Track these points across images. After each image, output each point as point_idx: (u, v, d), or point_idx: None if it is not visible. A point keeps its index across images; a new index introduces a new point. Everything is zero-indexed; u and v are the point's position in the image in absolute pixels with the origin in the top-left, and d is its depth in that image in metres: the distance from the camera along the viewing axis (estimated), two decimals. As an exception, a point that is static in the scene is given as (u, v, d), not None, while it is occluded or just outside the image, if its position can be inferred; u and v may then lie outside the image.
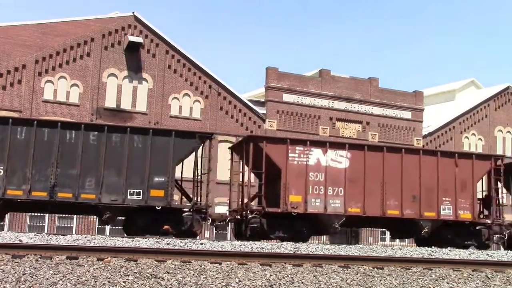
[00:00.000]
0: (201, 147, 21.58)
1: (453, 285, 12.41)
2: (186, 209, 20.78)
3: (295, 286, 11.24)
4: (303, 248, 16.38)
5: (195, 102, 38.11)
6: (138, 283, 10.40)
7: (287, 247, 16.29)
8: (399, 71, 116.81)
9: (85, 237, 15.85)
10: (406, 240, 31.88)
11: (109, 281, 10.33)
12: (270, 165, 21.14)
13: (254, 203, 21.78)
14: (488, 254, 17.84)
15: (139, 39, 36.51)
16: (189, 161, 21.79)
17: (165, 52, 37.67)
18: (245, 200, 21.64)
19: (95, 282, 10.27)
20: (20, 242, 14.00)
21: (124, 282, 10.38)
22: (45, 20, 35.66)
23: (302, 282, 11.42)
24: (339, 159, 21.76)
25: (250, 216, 20.64)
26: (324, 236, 30.69)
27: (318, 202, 21.26)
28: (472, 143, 46.06)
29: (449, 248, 20.40)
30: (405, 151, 22.80)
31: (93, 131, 20.21)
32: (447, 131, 45.35)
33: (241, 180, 22.35)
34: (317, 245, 17.64)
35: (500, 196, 23.78)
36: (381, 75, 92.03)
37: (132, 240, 15.83)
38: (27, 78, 34.43)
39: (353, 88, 42.15)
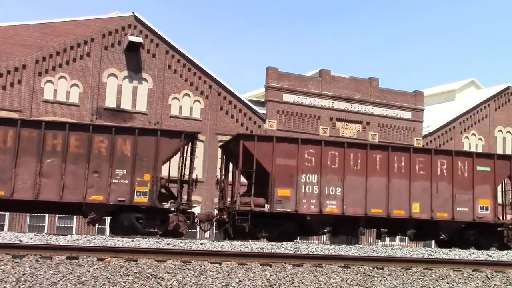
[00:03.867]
0: None
1: (453, 285, 12.41)
2: None
3: (295, 286, 11.24)
4: (303, 248, 16.38)
5: (195, 102, 38.11)
6: (138, 283, 10.41)
7: (287, 247, 16.29)
8: (399, 71, 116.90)
9: (85, 237, 15.85)
10: (406, 240, 31.72)
11: (109, 281, 10.34)
12: None
13: None
14: (488, 254, 17.85)
15: (139, 39, 36.50)
16: None
17: (165, 52, 37.66)
18: None
19: (95, 282, 10.27)
20: (20, 242, 14.00)
21: (124, 282, 10.38)
22: (45, 20, 35.66)
23: (302, 282, 11.42)
24: None
25: None
26: (324, 236, 29.95)
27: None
28: (472, 143, 46.03)
29: (448, 248, 20.39)
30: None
31: None
32: (447, 131, 45.32)
33: None
34: (317, 245, 17.64)
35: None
36: (381, 75, 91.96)
37: (132, 240, 15.83)
38: (27, 78, 34.43)
39: (353, 88, 42.15)
